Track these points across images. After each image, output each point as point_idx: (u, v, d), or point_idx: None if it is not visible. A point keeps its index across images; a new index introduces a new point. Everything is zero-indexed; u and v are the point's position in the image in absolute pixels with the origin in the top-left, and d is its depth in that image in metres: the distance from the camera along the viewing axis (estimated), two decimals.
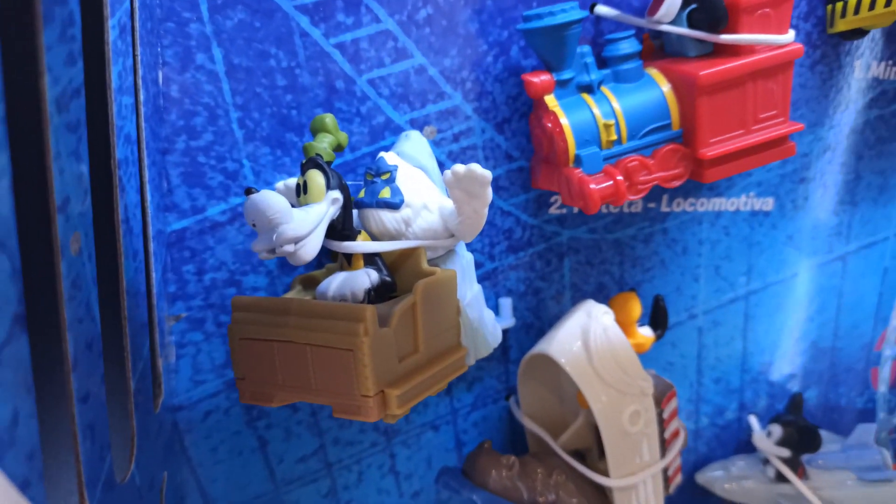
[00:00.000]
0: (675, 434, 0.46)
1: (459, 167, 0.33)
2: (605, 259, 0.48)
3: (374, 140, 0.41)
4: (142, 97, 0.32)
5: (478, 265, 0.45)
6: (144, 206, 0.33)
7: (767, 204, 0.51)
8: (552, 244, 0.46)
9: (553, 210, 0.45)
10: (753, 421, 0.55)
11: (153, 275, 0.34)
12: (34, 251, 0.21)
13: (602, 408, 0.41)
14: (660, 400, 0.45)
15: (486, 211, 0.35)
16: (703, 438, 0.56)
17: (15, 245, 0.19)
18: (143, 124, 0.32)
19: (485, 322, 0.39)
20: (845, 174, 0.52)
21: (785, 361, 0.56)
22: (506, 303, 0.45)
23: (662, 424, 0.45)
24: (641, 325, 0.48)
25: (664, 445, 0.46)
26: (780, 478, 0.53)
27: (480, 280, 0.45)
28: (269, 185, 0.39)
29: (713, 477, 0.55)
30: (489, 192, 0.34)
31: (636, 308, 0.45)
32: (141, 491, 0.31)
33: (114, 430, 0.27)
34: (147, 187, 0.33)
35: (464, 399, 0.47)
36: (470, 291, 0.38)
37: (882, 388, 0.59)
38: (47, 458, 0.21)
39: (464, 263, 0.38)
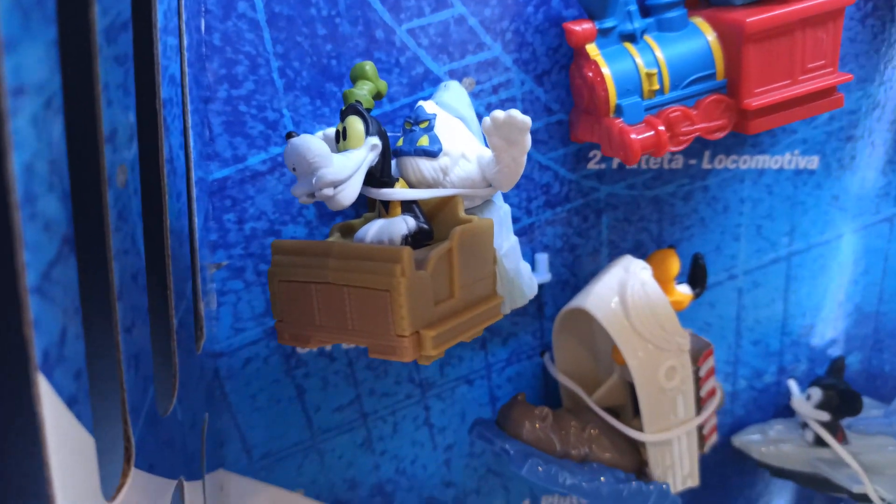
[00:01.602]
0: (712, 393, 0.46)
1: (499, 113, 0.33)
2: (644, 216, 0.47)
3: (413, 91, 0.41)
4: (185, 41, 0.33)
5: (515, 220, 0.44)
6: (188, 149, 0.33)
7: (812, 162, 0.50)
8: (590, 200, 0.46)
9: (592, 165, 0.45)
10: (793, 385, 0.55)
11: (195, 220, 0.35)
12: (82, 176, 0.22)
13: (638, 362, 0.41)
14: (696, 358, 0.45)
15: (524, 159, 0.35)
16: (740, 401, 0.55)
17: (65, 169, 0.20)
18: (186, 68, 0.33)
19: (521, 273, 0.39)
20: (895, 132, 0.51)
21: (827, 325, 0.55)
22: (542, 258, 0.45)
23: (699, 383, 0.45)
24: (680, 283, 0.47)
25: (700, 403, 0.45)
26: (819, 442, 0.52)
27: (517, 234, 0.45)
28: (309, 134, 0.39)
29: (750, 440, 0.55)
30: (528, 138, 0.34)
31: (675, 265, 0.45)
32: (183, 427, 0.32)
33: (157, 364, 0.28)
34: (190, 132, 0.34)
35: (498, 354, 0.48)
36: (507, 242, 0.38)
37: None
38: (93, 380, 0.22)
39: (501, 214, 0.38)
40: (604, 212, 0.46)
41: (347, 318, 0.31)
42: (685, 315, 0.51)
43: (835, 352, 0.56)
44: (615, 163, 0.45)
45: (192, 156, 0.34)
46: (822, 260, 0.53)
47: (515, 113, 0.33)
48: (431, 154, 0.35)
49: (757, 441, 0.55)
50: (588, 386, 0.47)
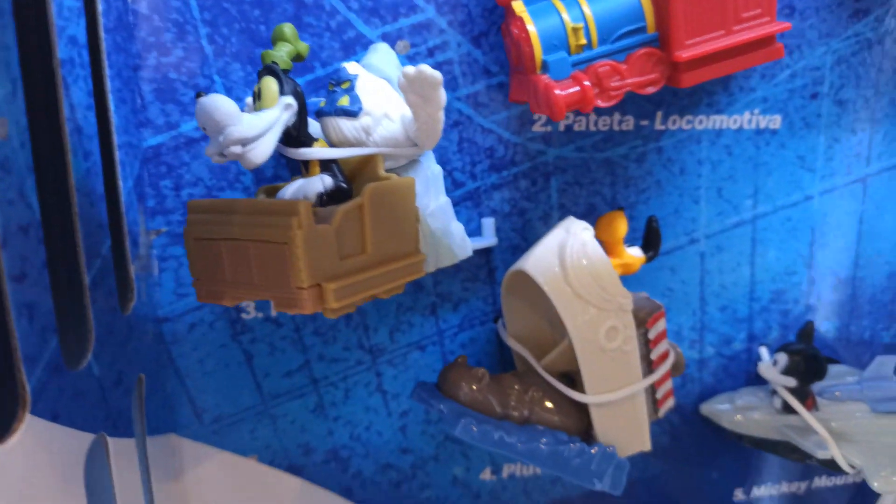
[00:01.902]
0: (664, 356, 0.45)
1: (409, 69, 0.33)
2: (595, 179, 0.47)
3: (347, 55, 0.41)
4: (100, 6, 0.33)
5: (459, 184, 0.44)
6: (105, 112, 0.34)
7: (774, 122, 0.48)
8: (537, 163, 0.45)
9: (537, 128, 0.45)
10: (763, 352, 0.53)
11: (119, 183, 0.35)
12: None
13: (576, 322, 0.40)
14: (645, 320, 0.44)
15: (440, 115, 0.34)
16: (709, 369, 0.54)
17: None
18: (101, 32, 0.33)
19: (452, 234, 0.39)
20: (863, 89, 0.49)
21: (798, 291, 0.54)
22: (488, 222, 0.45)
23: (648, 345, 0.44)
24: (633, 246, 0.46)
25: (651, 367, 0.45)
26: (788, 409, 0.51)
27: (463, 199, 0.45)
28: (241, 101, 0.40)
29: (718, 408, 0.54)
30: (442, 94, 0.33)
31: (621, 226, 0.44)
32: (102, 383, 0.32)
33: (61, 317, 0.29)
34: (109, 96, 0.34)
35: (450, 320, 0.48)
36: (434, 202, 0.38)
37: None
38: None
39: (428, 175, 0.38)
40: (553, 175, 0.46)
41: (253, 273, 0.31)
42: (646, 281, 0.50)
43: (810, 318, 0.55)
44: (562, 125, 0.45)
45: (114, 120, 0.35)
46: (790, 223, 0.51)
47: (425, 68, 0.32)
48: (351, 114, 0.35)
49: (725, 409, 0.54)
50: (542, 350, 0.47)
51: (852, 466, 0.50)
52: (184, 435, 0.45)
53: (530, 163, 0.45)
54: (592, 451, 0.42)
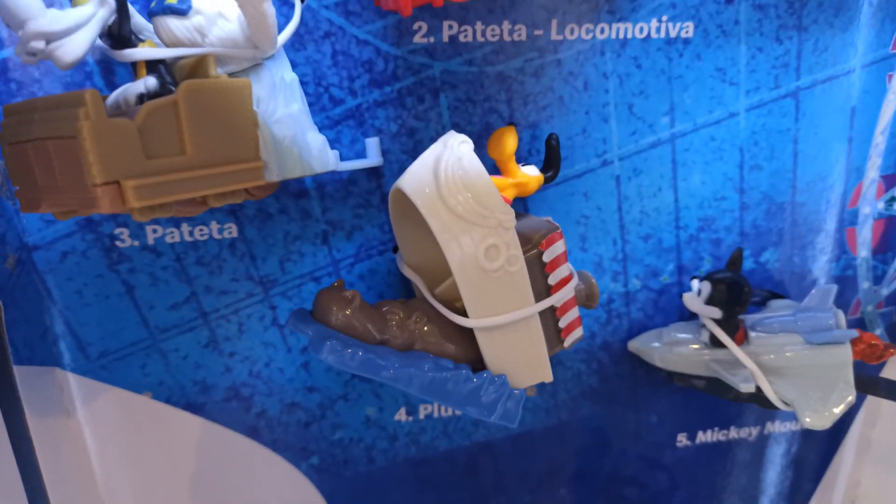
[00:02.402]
0: (565, 281, 0.42)
1: None
2: (490, 96, 0.44)
3: None
4: None
5: (338, 101, 0.42)
6: None
7: (687, 30, 0.45)
8: (423, 78, 0.43)
9: (418, 39, 0.42)
10: (695, 284, 0.50)
11: None
12: None
13: (450, 239, 0.38)
14: (538, 242, 0.41)
15: (265, 8, 0.32)
16: (636, 304, 0.51)
17: None
18: None
19: (307, 145, 0.37)
20: None
21: (730, 217, 0.50)
22: (372, 142, 0.43)
23: (544, 270, 0.41)
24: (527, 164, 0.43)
25: (549, 292, 0.42)
26: (716, 342, 0.48)
27: (344, 118, 0.42)
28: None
29: (647, 346, 0.51)
30: None
31: (510, 141, 0.41)
32: None
33: None
34: None
35: (344, 249, 0.46)
36: (283, 109, 0.36)
37: (862, 252, 0.52)
38: None
39: (276, 80, 0.36)
40: (441, 91, 0.43)
41: (56, 174, 0.29)
42: (557, 207, 0.47)
43: (746, 248, 0.51)
44: (445, 35, 0.42)
45: None
46: (714, 143, 0.48)
47: None
48: (180, 12, 0.33)
49: (654, 347, 0.51)
50: (440, 281, 0.45)
51: (786, 403, 0.47)
52: (70, 370, 0.44)
53: (414, 77, 0.43)
54: (475, 380, 0.40)
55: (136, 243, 0.43)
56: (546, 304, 0.41)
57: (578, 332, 0.45)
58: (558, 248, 0.42)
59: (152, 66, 0.33)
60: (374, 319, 0.39)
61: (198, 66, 0.34)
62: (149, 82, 0.32)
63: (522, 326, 0.40)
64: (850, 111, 0.49)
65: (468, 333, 0.41)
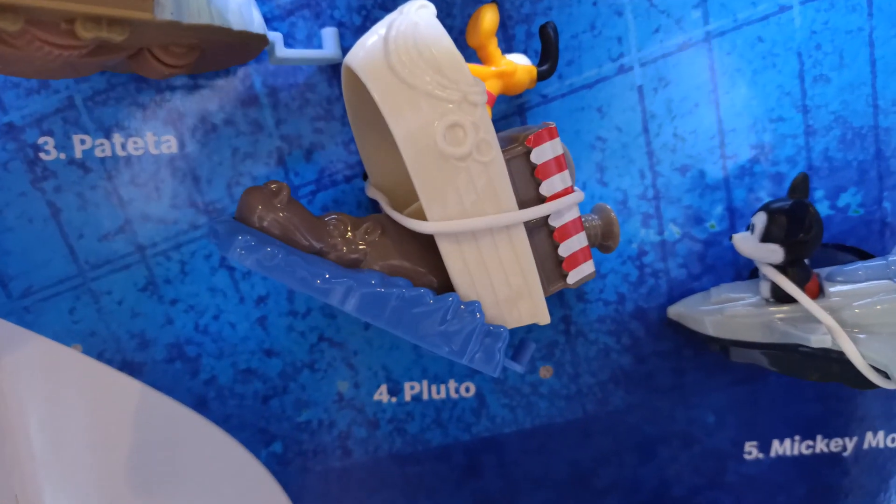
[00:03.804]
0: (565, 192, 0.33)
1: None
2: None
3: None
4: None
5: None
6: None
7: None
8: None
9: None
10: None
11: None
12: None
13: (400, 117, 0.30)
14: (523, 139, 0.32)
15: None
16: (676, 258, 0.41)
17: None
18: None
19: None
20: None
21: (792, 145, 0.40)
22: (329, 32, 0.36)
23: (533, 173, 0.32)
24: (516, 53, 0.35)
25: (539, 199, 0.32)
26: (781, 296, 0.37)
27: (297, 7, 0.36)
28: None
29: (693, 310, 0.40)
30: None
31: (488, 20, 0.33)
32: None
33: None
34: None
35: (304, 174, 0.38)
36: None
37: None
38: None
39: None
40: None
41: None
42: (566, 126, 0.39)
43: (816, 187, 0.40)
44: None
45: None
46: (763, 45, 0.39)
47: None
48: None
49: (701, 309, 0.40)
50: (411, 203, 0.37)
51: (874, 367, 0.34)
52: None
53: None
54: (432, 301, 0.31)
55: (63, 156, 0.37)
56: (535, 212, 0.32)
57: (588, 268, 0.35)
58: (552, 148, 0.33)
59: None
60: (309, 222, 0.31)
61: None
62: None
63: (503, 239, 0.31)
64: None
65: (436, 253, 0.32)
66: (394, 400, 0.42)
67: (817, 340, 0.33)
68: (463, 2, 0.37)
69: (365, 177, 0.39)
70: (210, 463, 0.41)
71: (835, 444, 0.44)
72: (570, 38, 0.38)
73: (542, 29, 0.36)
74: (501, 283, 0.32)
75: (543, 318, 0.33)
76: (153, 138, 0.37)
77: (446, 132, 0.30)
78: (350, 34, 0.37)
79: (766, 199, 0.40)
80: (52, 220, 0.38)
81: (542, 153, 0.32)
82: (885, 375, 0.34)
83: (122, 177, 0.37)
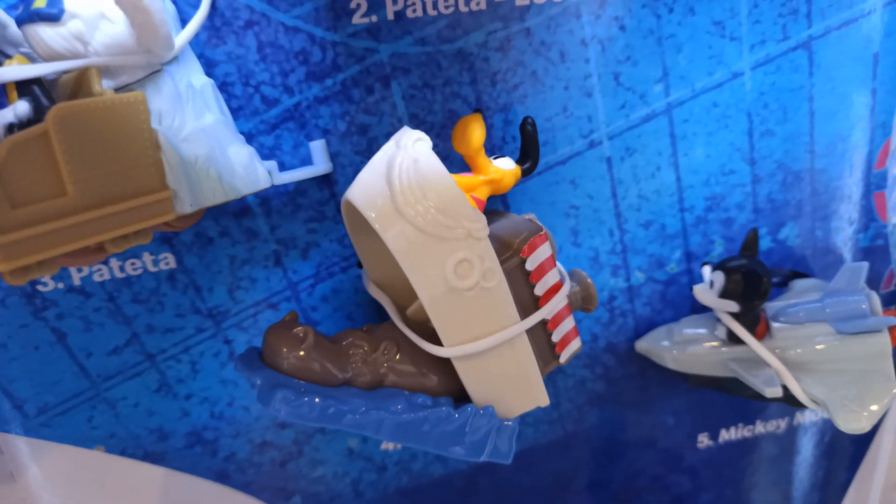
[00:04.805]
0: (555, 289, 0.37)
1: None
2: (450, 79, 0.38)
3: None
4: None
5: (272, 102, 0.36)
6: None
7: None
8: (369, 66, 0.37)
9: (358, 19, 0.36)
10: (706, 271, 0.44)
11: None
12: None
13: (413, 258, 0.32)
14: (519, 248, 0.35)
15: (146, 3, 0.26)
16: (641, 299, 0.45)
17: None
18: None
19: (227, 163, 0.31)
20: None
21: (741, 193, 0.44)
22: (316, 146, 0.37)
23: (528, 279, 0.36)
24: (500, 157, 0.37)
25: (537, 305, 0.36)
26: (734, 338, 0.42)
27: (282, 121, 0.37)
28: None
29: (656, 346, 0.45)
30: None
31: (476, 132, 0.35)
32: None
33: None
34: None
35: (301, 270, 0.40)
36: (193, 123, 0.30)
37: (893, 218, 0.46)
38: None
39: (181, 88, 0.30)
40: (392, 78, 0.37)
41: None
42: (541, 200, 0.41)
43: (761, 226, 0.45)
44: (390, 12, 0.36)
45: None
46: (718, 109, 0.42)
47: None
48: (51, 17, 0.27)
49: (663, 345, 0.45)
50: (411, 299, 0.39)
51: (816, 402, 0.41)
52: (8, 430, 0.39)
53: (359, 65, 0.36)
54: (457, 416, 0.34)
55: (61, 285, 0.37)
56: (534, 319, 0.35)
57: (576, 344, 0.39)
58: (543, 251, 0.36)
59: (24, 87, 0.27)
60: (333, 357, 0.34)
61: (80, 82, 0.28)
62: (19, 108, 0.26)
63: (507, 349, 0.35)
64: (872, 58, 0.42)
65: (447, 361, 0.35)
66: (399, 447, 0.46)
67: (771, 392, 0.40)
68: (444, 98, 0.38)
69: (359, 265, 0.41)
70: None
71: (771, 425, 0.52)
72: (544, 121, 0.40)
73: (522, 126, 0.37)
74: (509, 383, 0.36)
75: (543, 400, 0.37)
76: (150, 257, 0.37)
77: (455, 268, 0.33)
78: (336, 140, 0.37)
79: (719, 241, 0.45)
80: (58, 344, 0.38)
81: (536, 258, 0.36)
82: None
83: (123, 296, 0.38)
